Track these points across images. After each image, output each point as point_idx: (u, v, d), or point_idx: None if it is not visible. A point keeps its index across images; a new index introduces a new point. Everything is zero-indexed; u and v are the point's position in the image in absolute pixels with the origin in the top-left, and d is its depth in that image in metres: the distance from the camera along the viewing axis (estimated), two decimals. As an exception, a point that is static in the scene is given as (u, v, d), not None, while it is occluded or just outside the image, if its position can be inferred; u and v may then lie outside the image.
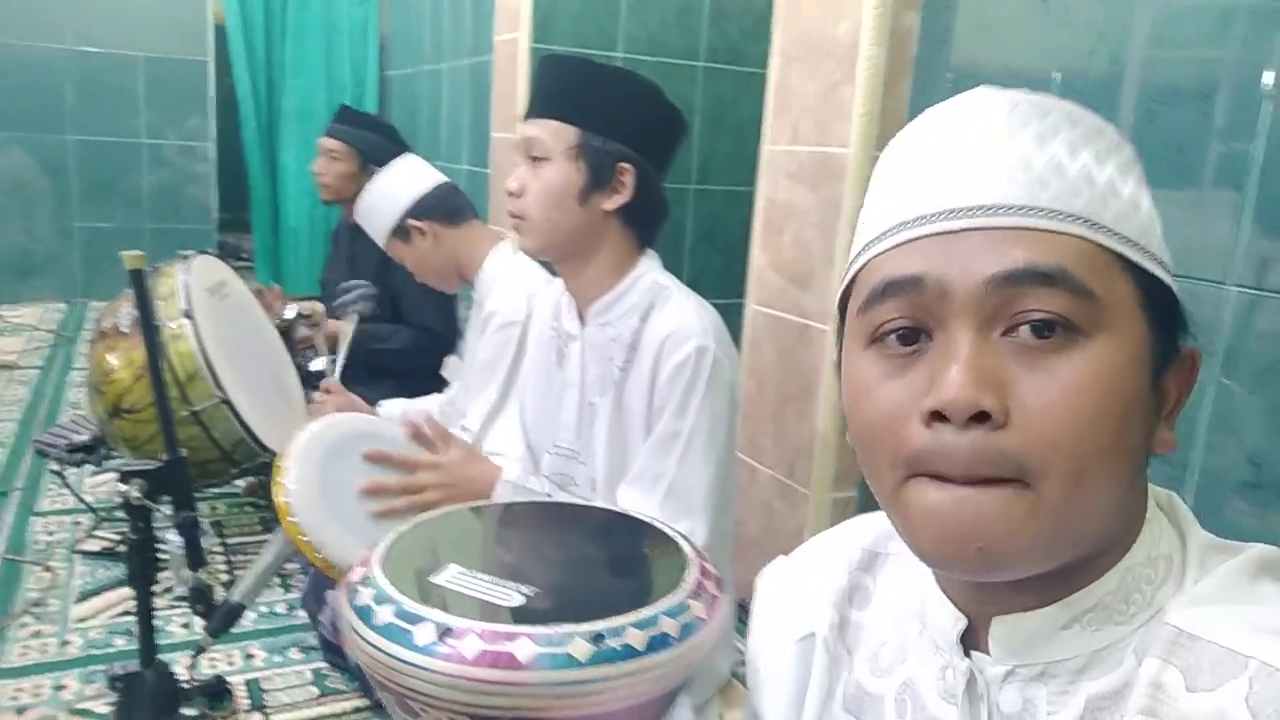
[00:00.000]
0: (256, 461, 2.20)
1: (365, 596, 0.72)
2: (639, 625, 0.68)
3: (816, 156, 1.90)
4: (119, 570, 2.15)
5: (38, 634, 1.97)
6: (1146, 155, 0.55)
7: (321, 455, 1.25)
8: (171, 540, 1.45)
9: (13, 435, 3.13)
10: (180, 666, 1.54)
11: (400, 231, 2.13)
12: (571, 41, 2.95)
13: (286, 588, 2.22)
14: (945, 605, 0.57)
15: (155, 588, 1.46)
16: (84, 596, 2.12)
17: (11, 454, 2.96)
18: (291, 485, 1.20)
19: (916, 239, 0.51)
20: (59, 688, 1.80)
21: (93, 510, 2.47)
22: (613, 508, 1.02)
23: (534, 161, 1.36)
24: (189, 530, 1.46)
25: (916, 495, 0.50)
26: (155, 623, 1.47)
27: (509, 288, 1.99)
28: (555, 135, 1.34)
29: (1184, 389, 0.54)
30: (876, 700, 0.62)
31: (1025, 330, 0.48)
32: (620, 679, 0.66)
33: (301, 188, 4.73)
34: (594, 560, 0.90)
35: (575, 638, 0.66)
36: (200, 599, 1.46)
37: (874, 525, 0.67)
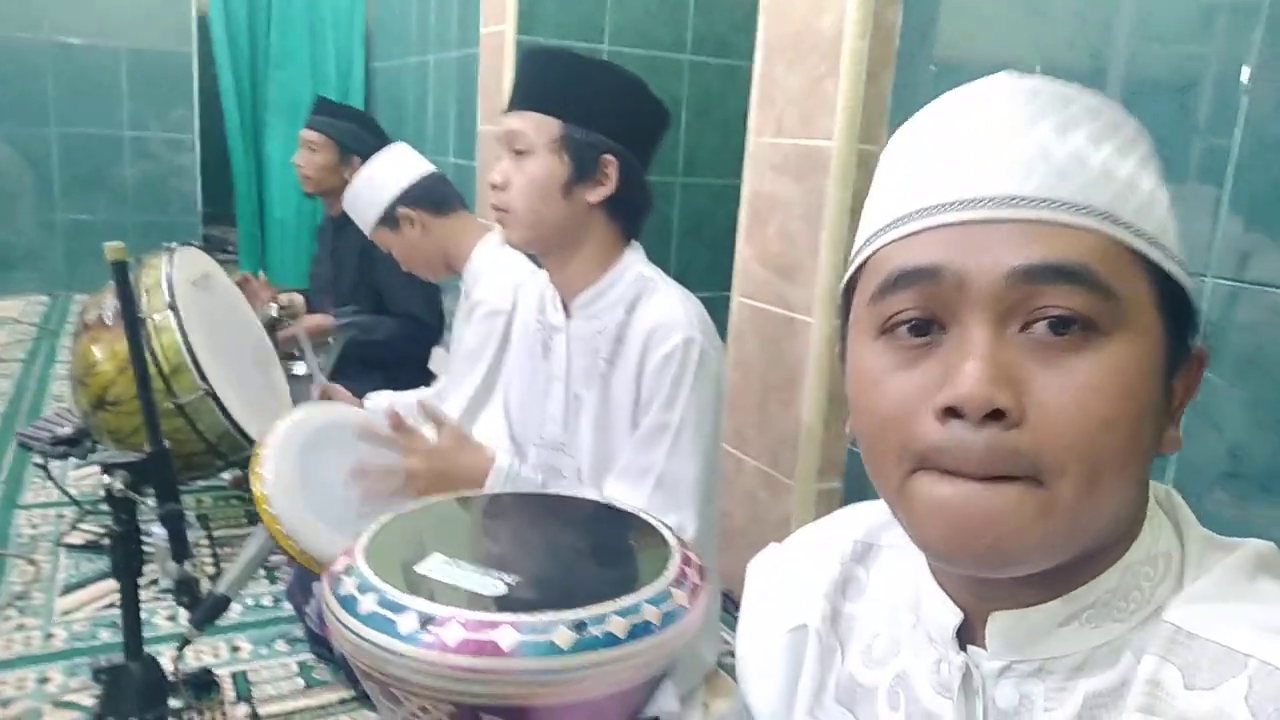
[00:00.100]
0: (242, 454, 2.19)
1: (349, 586, 0.72)
2: (621, 613, 0.69)
3: (801, 149, 1.90)
4: (104, 563, 2.14)
5: (21, 627, 1.96)
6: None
7: (300, 445, 1.25)
8: (156, 532, 1.45)
9: (-4, 429, 3.11)
10: (166, 659, 1.54)
11: (388, 219, 2.13)
12: (557, 33, 2.95)
13: (273, 580, 2.22)
14: (941, 599, 0.57)
15: (140, 580, 1.46)
16: (69, 589, 2.12)
17: (-5, 447, 2.95)
18: (269, 475, 1.20)
19: (933, 228, 0.50)
20: (43, 681, 1.79)
21: (77, 503, 2.46)
22: (597, 498, 1.02)
23: (517, 154, 1.36)
24: (173, 522, 1.45)
25: (925, 488, 0.49)
26: (141, 615, 1.47)
27: (496, 278, 1.99)
28: (538, 128, 1.34)
29: (1191, 388, 0.53)
30: (869, 692, 0.61)
31: (1042, 326, 0.47)
32: (602, 666, 0.66)
33: (287, 181, 4.69)
34: (578, 550, 0.90)
35: (558, 625, 0.67)
36: (185, 591, 1.45)
37: (866, 516, 0.67)
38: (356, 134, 2.91)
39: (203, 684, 1.76)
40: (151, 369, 1.81)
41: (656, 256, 1.48)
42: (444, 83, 3.71)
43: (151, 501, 1.47)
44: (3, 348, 4.07)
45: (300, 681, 1.85)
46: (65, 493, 2.47)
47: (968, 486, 0.47)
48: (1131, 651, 0.51)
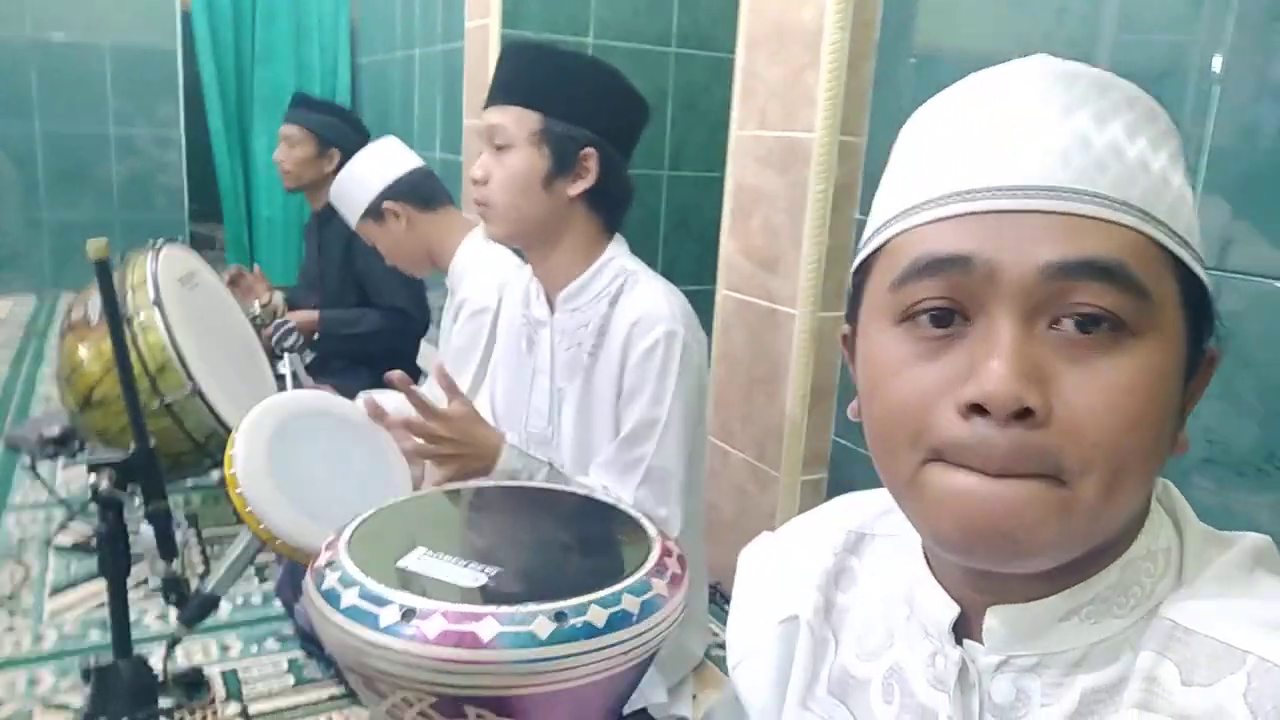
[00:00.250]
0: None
1: (331, 580, 0.73)
2: (601, 603, 0.69)
3: (784, 141, 1.91)
4: (93, 564, 2.14)
5: (11, 629, 1.96)
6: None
7: (272, 429, 1.26)
8: (144, 532, 1.45)
9: (-17, 430, 3.10)
10: (156, 658, 1.54)
11: (374, 212, 2.13)
12: (542, 27, 2.95)
13: (262, 578, 2.22)
14: (937, 592, 0.56)
15: (129, 580, 1.46)
16: (58, 590, 2.11)
17: (-18, 448, 2.94)
18: (239, 457, 1.21)
19: (962, 215, 0.48)
20: (33, 682, 1.79)
21: (65, 504, 2.46)
22: (579, 491, 1.03)
23: (498, 149, 1.36)
24: (161, 521, 1.45)
25: (939, 478, 0.48)
26: (130, 615, 1.47)
27: (480, 275, 2.00)
28: (518, 122, 1.35)
29: (1201, 388, 0.53)
30: (862, 684, 0.61)
31: (1070, 323, 0.46)
32: (581, 656, 0.67)
33: (274, 178, 4.64)
34: (560, 542, 0.91)
35: (539, 616, 0.67)
36: (174, 590, 1.46)
37: (859, 507, 0.66)
38: (335, 126, 2.91)
39: (193, 683, 1.76)
40: (137, 368, 1.81)
41: (644, 250, 1.48)
42: (429, 77, 3.70)
43: (138, 500, 1.47)
44: (-11, 348, 4.06)
45: (290, 679, 1.86)
46: (54, 493, 2.47)
47: (986, 480, 0.46)
48: (1130, 647, 0.50)
